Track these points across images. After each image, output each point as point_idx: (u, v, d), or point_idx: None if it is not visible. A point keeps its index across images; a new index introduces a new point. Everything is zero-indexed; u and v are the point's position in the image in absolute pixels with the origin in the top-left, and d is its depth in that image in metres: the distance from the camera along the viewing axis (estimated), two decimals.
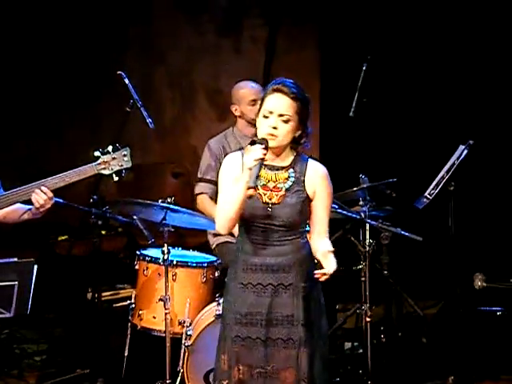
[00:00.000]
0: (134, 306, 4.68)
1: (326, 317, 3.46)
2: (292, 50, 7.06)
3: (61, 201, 4.01)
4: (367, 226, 4.88)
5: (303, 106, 3.35)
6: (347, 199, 4.92)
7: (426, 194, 4.92)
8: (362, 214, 4.80)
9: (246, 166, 3.28)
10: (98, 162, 3.83)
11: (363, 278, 4.88)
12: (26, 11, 6.89)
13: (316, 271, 3.26)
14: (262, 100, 3.37)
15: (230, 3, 7.16)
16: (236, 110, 4.89)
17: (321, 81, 6.91)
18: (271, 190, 3.35)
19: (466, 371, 4.94)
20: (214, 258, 4.70)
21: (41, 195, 3.74)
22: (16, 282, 3.59)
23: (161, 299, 4.49)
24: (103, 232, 5.44)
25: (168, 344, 4.45)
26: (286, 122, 3.31)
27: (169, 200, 4.47)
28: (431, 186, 4.93)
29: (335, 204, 4.68)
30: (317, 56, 6.95)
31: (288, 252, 3.35)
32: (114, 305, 5.37)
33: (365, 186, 4.90)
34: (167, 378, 4.45)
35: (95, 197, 4.73)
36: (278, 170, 3.38)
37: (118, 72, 4.71)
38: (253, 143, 3.32)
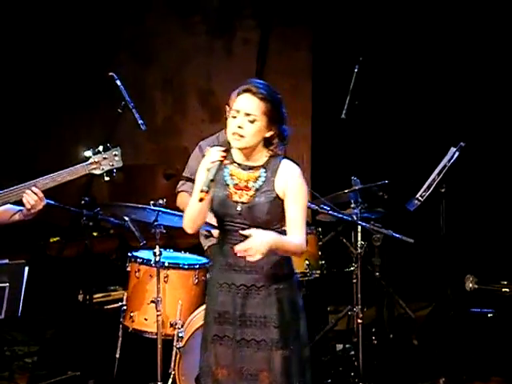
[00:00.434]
0: (125, 307, 4.67)
1: (305, 318, 3.47)
2: (284, 52, 7.07)
3: (52, 202, 4.00)
4: (359, 227, 4.89)
5: (273, 106, 3.35)
6: (339, 201, 4.92)
7: (417, 196, 4.93)
8: (354, 216, 4.81)
9: (204, 167, 3.30)
10: (89, 161, 3.82)
11: (355, 280, 4.89)
12: (18, 13, 6.87)
13: (237, 247, 3.22)
14: (233, 101, 3.38)
15: (222, 4, 7.16)
16: (228, 111, 4.90)
17: (313, 83, 6.92)
18: (242, 189, 3.36)
19: (457, 373, 4.95)
20: (206, 260, 4.70)
21: (32, 196, 3.73)
22: (7, 284, 3.58)
23: (152, 301, 4.48)
24: (95, 234, 5.44)
25: (159, 346, 4.44)
26: (252, 121, 3.32)
27: (160, 202, 4.47)
28: (423, 188, 4.94)
29: (327, 206, 4.69)
30: (309, 58, 6.95)
31: None
32: (106, 307, 5.35)
33: (357, 188, 4.90)
34: (159, 379, 4.44)
35: (87, 198, 4.71)
36: (250, 169, 3.39)
37: (110, 73, 4.69)
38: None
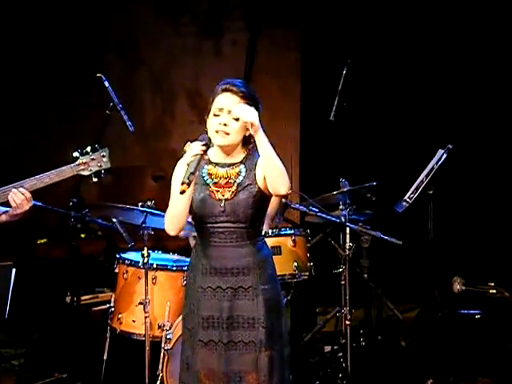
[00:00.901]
0: (113, 309, 4.66)
1: (286, 316, 3.49)
2: (273, 53, 7.07)
3: (40, 204, 3.98)
4: (347, 229, 4.89)
5: (253, 105, 3.36)
6: (328, 203, 4.93)
7: (405, 197, 4.94)
8: (342, 218, 4.81)
9: (185, 161, 3.30)
10: (77, 162, 3.81)
11: (343, 282, 4.89)
12: (6, 14, 6.84)
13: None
14: (212, 100, 3.39)
15: (210, 6, 7.16)
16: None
17: (301, 84, 6.92)
18: (223, 187, 3.37)
19: (444, 374, 4.96)
20: None
21: (18, 195, 3.72)
22: None
23: (140, 303, 4.47)
24: (82, 235, 5.42)
25: (147, 348, 4.43)
26: (237, 119, 3.33)
27: (148, 203, 4.46)
28: (411, 190, 4.95)
29: (315, 207, 4.69)
30: (297, 59, 6.96)
31: (247, 254, 3.37)
32: (93, 308, 5.34)
33: (345, 189, 4.91)
34: (146, 381, 4.43)
35: (74, 200, 4.70)
36: (229, 166, 3.40)
37: (98, 74, 4.68)
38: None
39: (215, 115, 3.36)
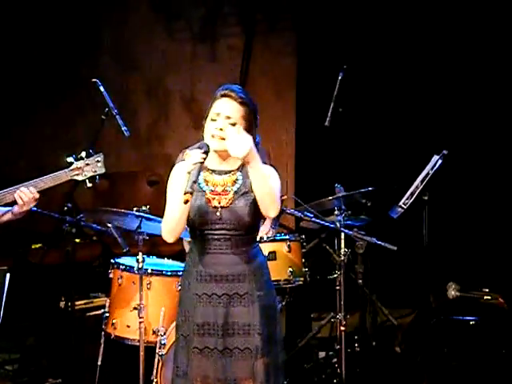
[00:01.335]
0: (107, 314, 4.65)
1: (281, 322, 3.48)
2: (268, 59, 7.07)
3: (34, 208, 3.98)
4: (342, 235, 4.89)
5: (251, 111, 3.38)
6: (323, 208, 4.93)
7: (400, 203, 4.94)
8: (337, 223, 4.81)
9: (185, 170, 3.29)
10: (72, 167, 3.81)
11: (338, 287, 4.89)
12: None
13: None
14: (211, 105, 3.40)
15: (206, 11, 7.16)
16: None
17: (297, 89, 6.93)
18: (220, 194, 3.37)
19: (439, 380, 4.96)
20: None
21: (26, 193, 3.73)
22: None
23: (135, 308, 4.46)
24: (77, 240, 5.40)
25: (142, 353, 4.42)
26: (233, 124, 3.34)
27: (143, 208, 4.46)
28: (406, 196, 4.95)
29: (310, 213, 4.69)
30: (293, 65, 6.96)
31: (242, 261, 3.36)
32: (88, 314, 5.32)
33: (340, 195, 4.91)
34: None
35: (69, 205, 4.69)
36: (226, 173, 3.40)
37: (93, 79, 4.68)
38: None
39: (212, 120, 3.36)
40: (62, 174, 3.81)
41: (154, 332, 4.49)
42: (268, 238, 4.87)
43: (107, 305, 4.68)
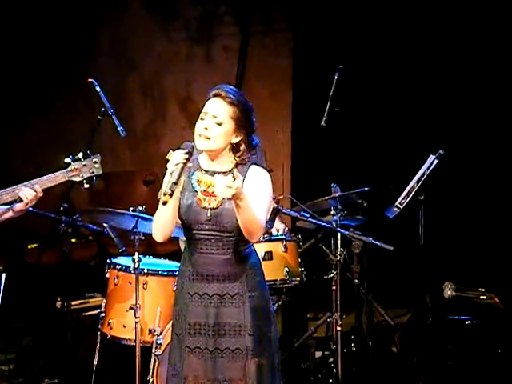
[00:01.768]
0: (103, 314, 4.65)
1: (276, 323, 3.47)
2: (264, 59, 7.08)
3: (31, 208, 3.98)
4: (338, 235, 4.89)
5: (241, 112, 3.35)
6: (319, 208, 4.93)
7: (396, 203, 4.94)
8: (334, 223, 4.81)
9: (168, 170, 3.28)
10: (69, 168, 3.81)
11: (334, 287, 4.89)
12: None
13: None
14: (203, 105, 3.39)
15: (202, 11, 7.16)
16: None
17: (293, 90, 6.93)
18: (210, 195, 3.34)
19: (435, 379, 4.96)
20: None
21: (30, 192, 3.74)
22: None
23: (131, 308, 4.46)
24: (73, 240, 5.41)
25: (138, 353, 4.42)
26: (219, 124, 3.32)
27: (140, 208, 4.45)
28: (402, 196, 4.96)
29: (307, 213, 4.69)
30: (289, 65, 6.97)
31: (233, 262, 3.35)
32: (84, 314, 5.32)
33: (336, 195, 4.91)
34: None
35: (65, 205, 4.69)
36: (218, 174, 3.38)
37: (89, 79, 4.68)
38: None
39: (201, 119, 3.35)
40: (59, 175, 3.81)
41: (150, 332, 4.49)
42: (264, 237, 4.86)
43: (103, 305, 4.68)
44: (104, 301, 4.70)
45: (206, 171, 3.40)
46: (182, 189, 3.36)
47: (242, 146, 3.37)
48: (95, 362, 4.62)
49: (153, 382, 4.38)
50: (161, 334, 4.43)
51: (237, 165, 3.38)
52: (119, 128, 4.65)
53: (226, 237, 3.34)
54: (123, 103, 7.02)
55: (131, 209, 4.46)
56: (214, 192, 3.34)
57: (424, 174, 4.96)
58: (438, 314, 5.03)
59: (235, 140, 3.36)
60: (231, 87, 3.42)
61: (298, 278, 4.95)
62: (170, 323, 4.42)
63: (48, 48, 6.99)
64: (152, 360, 4.40)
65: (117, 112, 4.69)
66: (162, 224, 3.34)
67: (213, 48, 7.16)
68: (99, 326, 4.64)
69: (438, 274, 5.18)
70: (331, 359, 5.09)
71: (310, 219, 4.68)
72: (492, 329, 5.04)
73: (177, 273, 4.56)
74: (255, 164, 3.41)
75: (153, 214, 4.18)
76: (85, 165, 3.83)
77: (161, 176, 3.39)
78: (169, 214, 3.31)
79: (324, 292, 5.08)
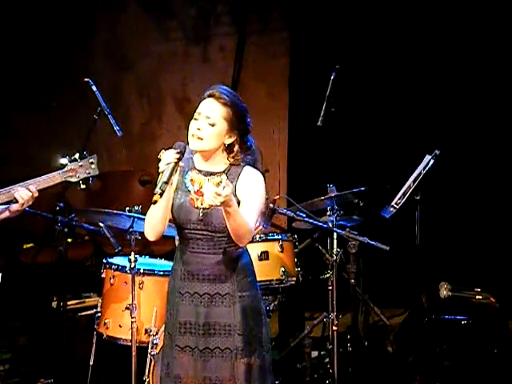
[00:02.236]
0: (99, 314, 4.64)
1: (267, 324, 3.47)
2: (261, 59, 7.08)
3: (27, 208, 3.97)
4: (335, 235, 4.90)
5: (234, 113, 3.35)
6: (315, 208, 4.93)
7: (392, 203, 4.94)
8: (330, 223, 4.81)
9: (159, 170, 3.28)
10: (65, 169, 3.80)
11: (330, 287, 4.89)
12: None
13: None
14: (197, 105, 3.39)
15: (198, 11, 7.16)
16: None
17: (289, 89, 6.93)
18: (203, 195, 3.34)
19: (431, 379, 4.97)
20: None
21: (26, 192, 3.73)
22: None
23: (127, 308, 4.46)
24: (69, 240, 5.40)
25: (134, 353, 4.42)
26: (212, 125, 3.32)
27: (136, 208, 4.45)
28: (398, 196, 4.96)
29: (303, 213, 4.69)
30: (286, 65, 6.97)
31: (224, 261, 3.36)
32: (80, 313, 5.32)
33: (333, 195, 4.91)
34: None
35: (61, 204, 4.68)
36: (211, 175, 3.38)
37: (86, 79, 4.67)
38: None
39: (194, 119, 3.36)
40: (55, 176, 3.80)
41: (146, 332, 4.49)
42: (260, 237, 4.87)
43: (99, 305, 4.68)
44: (100, 301, 4.70)
45: (200, 171, 3.40)
46: (175, 188, 3.36)
47: (236, 147, 3.38)
48: (91, 362, 4.62)
49: (149, 381, 4.38)
50: (157, 333, 4.43)
51: (230, 165, 3.39)
52: (115, 128, 4.65)
53: (217, 237, 3.34)
54: (119, 103, 7.01)
55: (127, 209, 4.46)
56: None
57: (420, 173, 4.96)
58: (434, 314, 5.04)
59: (228, 141, 3.36)
60: (226, 88, 3.42)
61: (294, 278, 4.95)
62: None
63: (44, 48, 6.98)
64: (148, 360, 4.40)
65: (113, 112, 4.69)
66: (154, 223, 3.35)
67: (209, 48, 7.15)
68: (95, 326, 4.64)
69: (433, 274, 5.19)
70: (327, 359, 5.09)
71: (306, 219, 4.67)
72: (488, 329, 5.05)
73: None
74: (249, 165, 3.41)
75: None
76: (81, 165, 3.82)
77: (157, 176, 3.39)
78: (160, 213, 3.32)
79: (320, 292, 5.08)
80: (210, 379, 3.33)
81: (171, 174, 3.25)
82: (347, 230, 4.74)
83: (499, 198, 6.29)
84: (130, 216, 4.45)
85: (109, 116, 4.63)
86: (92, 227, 4.79)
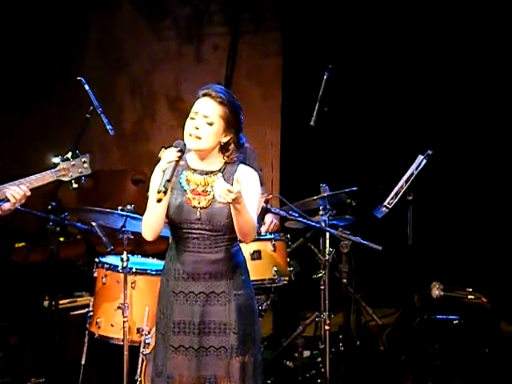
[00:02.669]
0: (91, 313, 4.64)
1: (259, 322, 3.49)
2: (254, 59, 7.08)
3: (19, 207, 3.96)
4: (327, 234, 4.90)
5: (230, 112, 3.36)
6: (308, 208, 4.93)
7: (385, 203, 4.95)
8: (322, 223, 4.82)
9: (159, 168, 3.29)
10: (58, 168, 3.79)
11: (323, 287, 4.90)
12: None
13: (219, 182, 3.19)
14: (192, 104, 3.40)
15: (192, 10, 7.16)
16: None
17: (282, 89, 6.93)
18: (200, 194, 3.36)
19: (423, 379, 4.98)
20: None
21: (18, 191, 3.72)
22: None
23: (119, 307, 4.45)
24: (61, 239, 5.38)
25: (126, 352, 4.41)
26: (210, 124, 3.33)
27: (128, 207, 4.45)
28: (390, 196, 4.96)
29: (295, 212, 4.69)
30: (279, 64, 6.97)
31: (220, 260, 3.37)
32: (72, 313, 5.31)
33: (325, 194, 4.92)
34: None
35: (53, 203, 4.67)
36: (207, 174, 3.39)
37: (78, 78, 4.67)
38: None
39: (191, 118, 3.36)
40: (47, 175, 3.79)
41: (138, 331, 4.48)
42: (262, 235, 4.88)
43: (91, 304, 4.67)
44: (92, 300, 4.69)
45: (195, 170, 3.40)
46: (170, 188, 3.36)
47: (231, 146, 3.39)
48: (83, 361, 4.62)
49: (141, 381, 4.37)
50: (149, 333, 4.42)
51: (225, 164, 3.39)
52: (108, 126, 4.64)
53: (214, 236, 3.35)
54: (112, 102, 7.00)
55: (120, 208, 4.46)
56: (203, 191, 3.35)
57: (412, 174, 4.97)
58: (426, 314, 5.05)
59: (225, 139, 3.37)
60: (220, 86, 3.42)
61: (287, 278, 4.95)
62: None
63: (37, 47, 6.97)
64: (140, 359, 4.39)
65: (106, 111, 4.68)
66: (153, 223, 3.35)
67: (202, 47, 7.15)
68: (87, 325, 4.64)
69: (425, 274, 5.20)
70: (319, 358, 5.10)
71: (298, 219, 4.68)
72: (479, 329, 5.06)
73: None
74: (243, 163, 3.42)
75: (141, 213, 4.18)
76: (73, 164, 3.82)
77: (149, 175, 3.40)
78: (160, 212, 3.32)
79: (312, 291, 5.08)
80: (205, 377, 3.34)
81: (173, 172, 3.26)
82: (340, 229, 4.75)
83: (491, 198, 6.31)
84: (122, 215, 4.44)
85: (101, 115, 4.62)
86: (84, 226, 4.78)
